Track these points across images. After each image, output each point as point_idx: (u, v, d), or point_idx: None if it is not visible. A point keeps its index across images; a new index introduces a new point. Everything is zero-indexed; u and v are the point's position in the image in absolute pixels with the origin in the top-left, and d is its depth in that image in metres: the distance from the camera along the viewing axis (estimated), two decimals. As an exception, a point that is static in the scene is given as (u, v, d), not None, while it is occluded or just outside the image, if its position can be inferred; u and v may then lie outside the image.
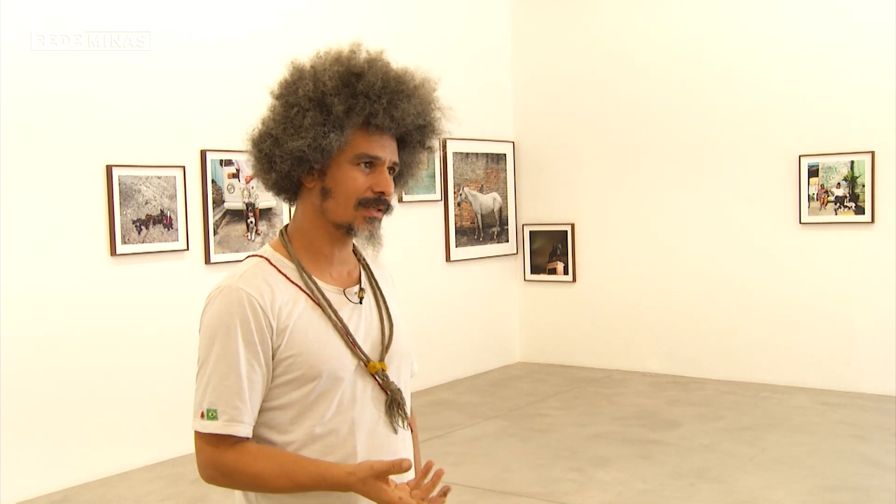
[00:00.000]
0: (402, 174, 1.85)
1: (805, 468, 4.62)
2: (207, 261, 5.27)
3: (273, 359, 1.67)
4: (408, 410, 1.82)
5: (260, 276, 1.69)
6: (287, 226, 1.81)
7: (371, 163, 1.72)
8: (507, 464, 4.88)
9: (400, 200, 6.53)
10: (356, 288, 1.80)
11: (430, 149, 1.86)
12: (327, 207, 1.72)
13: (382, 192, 1.72)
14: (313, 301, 1.71)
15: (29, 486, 4.53)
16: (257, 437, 1.71)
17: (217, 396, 1.63)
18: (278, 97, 1.74)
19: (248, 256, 1.78)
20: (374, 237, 1.74)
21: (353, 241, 1.80)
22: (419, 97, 1.75)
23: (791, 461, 4.74)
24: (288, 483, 1.62)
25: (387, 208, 1.75)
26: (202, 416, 1.63)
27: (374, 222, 1.73)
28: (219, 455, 1.64)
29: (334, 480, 1.61)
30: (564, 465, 4.81)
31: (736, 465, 4.71)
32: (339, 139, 1.68)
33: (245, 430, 1.64)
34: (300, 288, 1.71)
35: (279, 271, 1.71)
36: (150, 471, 4.88)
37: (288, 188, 1.77)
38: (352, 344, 1.72)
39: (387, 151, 1.73)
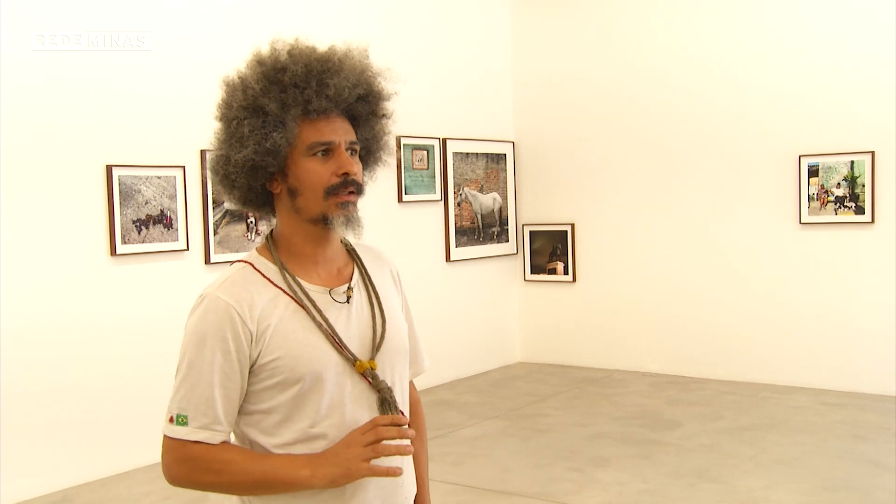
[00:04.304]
0: (368, 151, 1.81)
1: (805, 468, 4.62)
2: (207, 261, 5.27)
3: (254, 366, 1.66)
4: (403, 408, 1.79)
5: (240, 283, 1.68)
6: (273, 229, 1.79)
7: (327, 149, 1.69)
8: (507, 464, 4.88)
9: (399, 200, 6.56)
10: (344, 287, 1.76)
11: (385, 116, 1.81)
12: (299, 206, 1.70)
13: (346, 174, 1.68)
14: (296, 303, 1.69)
15: (29, 486, 4.53)
16: (247, 439, 1.70)
17: (188, 403, 1.64)
18: (220, 118, 1.73)
19: (235, 262, 1.76)
20: (351, 221, 1.70)
21: (339, 233, 1.75)
22: (348, 68, 1.71)
23: (791, 461, 4.74)
24: (243, 474, 1.62)
25: (357, 189, 1.71)
26: (171, 420, 1.64)
27: (347, 206, 1.70)
28: (187, 451, 1.64)
29: (293, 464, 1.62)
30: (564, 465, 4.81)
31: (736, 465, 4.71)
32: (284, 136, 1.66)
33: (216, 438, 1.64)
34: (283, 291, 1.69)
35: (263, 275, 1.70)
36: (150, 471, 4.88)
37: (257, 201, 1.75)
38: (338, 344, 1.69)
39: (338, 133, 1.69)
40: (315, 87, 1.66)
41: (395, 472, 1.64)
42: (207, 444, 1.64)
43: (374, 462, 1.64)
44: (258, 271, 1.71)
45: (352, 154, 1.73)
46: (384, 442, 1.64)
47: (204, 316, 1.65)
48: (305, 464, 1.63)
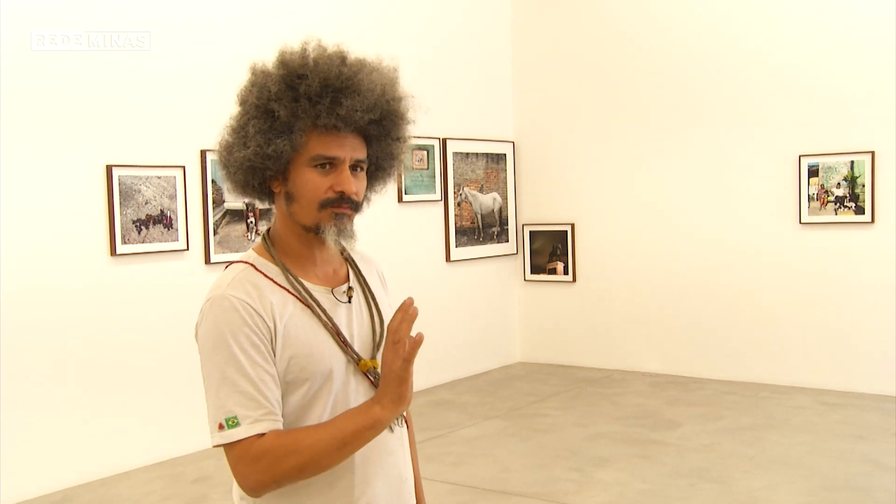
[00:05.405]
0: (378, 168, 1.79)
1: (805, 468, 4.62)
2: (207, 261, 5.27)
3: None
4: None
5: (247, 281, 1.66)
6: (269, 229, 1.78)
7: (331, 163, 1.66)
8: (507, 464, 4.88)
9: (400, 201, 6.56)
10: (344, 287, 1.76)
11: (401, 140, 1.78)
12: (293, 211, 1.69)
13: (343, 192, 1.66)
14: (302, 303, 1.68)
15: (29, 486, 4.53)
16: None
17: (233, 404, 1.56)
18: (238, 104, 1.72)
19: (232, 263, 1.73)
20: (343, 233, 1.68)
21: (331, 242, 1.72)
22: (367, 90, 1.67)
23: (791, 461, 4.74)
24: (323, 443, 1.57)
25: (354, 206, 1.69)
26: (221, 427, 1.56)
27: (341, 218, 1.67)
28: (255, 449, 1.55)
29: (360, 411, 1.60)
30: (564, 465, 4.81)
31: (736, 465, 4.71)
32: (287, 144, 1.64)
33: (276, 425, 1.58)
34: (288, 291, 1.68)
35: (265, 276, 1.68)
36: (150, 471, 4.88)
37: (254, 194, 1.74)
38: (343, 343, 1.69)
39: (346, 150, 1.66)
40: (328, 104, 1.63)
41: (418, 338, 1.62)
42: (272, 432, 1.57)
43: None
44: (260, 272, 1.69)
45: (357, 171, 1.70)
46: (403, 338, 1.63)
47: (219, 316, 1.61)
48: (370, 404, 1.61)
